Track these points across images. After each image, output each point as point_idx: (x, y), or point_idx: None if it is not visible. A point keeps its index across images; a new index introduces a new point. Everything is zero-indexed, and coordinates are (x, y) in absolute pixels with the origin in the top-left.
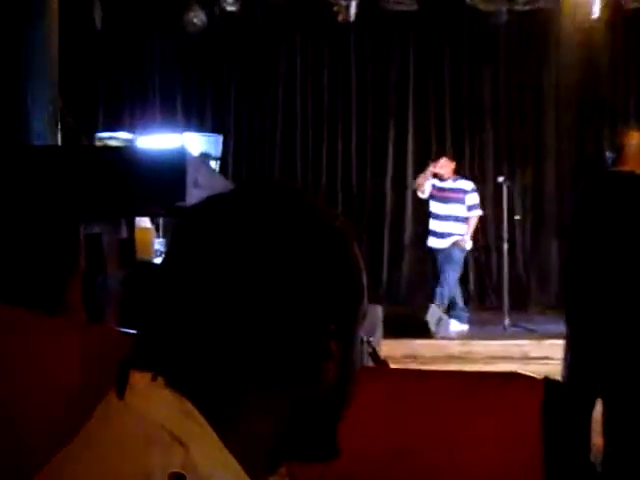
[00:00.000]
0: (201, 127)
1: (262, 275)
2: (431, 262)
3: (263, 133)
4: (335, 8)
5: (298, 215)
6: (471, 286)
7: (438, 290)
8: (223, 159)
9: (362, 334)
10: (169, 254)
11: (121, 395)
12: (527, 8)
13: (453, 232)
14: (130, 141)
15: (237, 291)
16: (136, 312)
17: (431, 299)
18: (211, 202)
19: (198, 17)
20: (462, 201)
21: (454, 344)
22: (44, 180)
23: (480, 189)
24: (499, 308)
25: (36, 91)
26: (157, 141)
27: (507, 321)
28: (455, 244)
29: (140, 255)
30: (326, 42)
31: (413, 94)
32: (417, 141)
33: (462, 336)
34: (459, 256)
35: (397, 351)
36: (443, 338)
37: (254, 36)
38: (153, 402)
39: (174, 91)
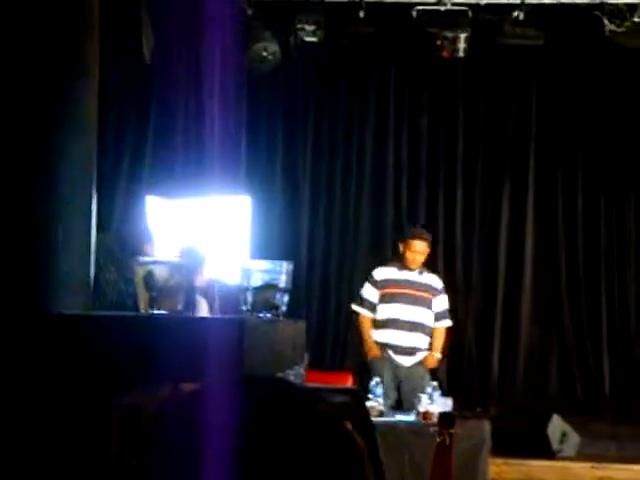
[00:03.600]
0: (270, 185)
1: None
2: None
3: (346, 194)
4: (438, 42)
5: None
6: (605, 385)
7: None
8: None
9: None
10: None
11: None
12: None
13: (421, 347)
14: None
15: None
16: None
17: (554, 407)
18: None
19: (270, 49)
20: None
21: (585, 467)
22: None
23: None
24: None
25: (69, 148)
26: (215, 205)
27: None
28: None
29: None
30: (427, 81)
31: (536, 145)
32: (539, 203)
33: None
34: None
35: (510, 474)
36: (568, 458)
37: (338, 73)
38: None
39: (236, 143)
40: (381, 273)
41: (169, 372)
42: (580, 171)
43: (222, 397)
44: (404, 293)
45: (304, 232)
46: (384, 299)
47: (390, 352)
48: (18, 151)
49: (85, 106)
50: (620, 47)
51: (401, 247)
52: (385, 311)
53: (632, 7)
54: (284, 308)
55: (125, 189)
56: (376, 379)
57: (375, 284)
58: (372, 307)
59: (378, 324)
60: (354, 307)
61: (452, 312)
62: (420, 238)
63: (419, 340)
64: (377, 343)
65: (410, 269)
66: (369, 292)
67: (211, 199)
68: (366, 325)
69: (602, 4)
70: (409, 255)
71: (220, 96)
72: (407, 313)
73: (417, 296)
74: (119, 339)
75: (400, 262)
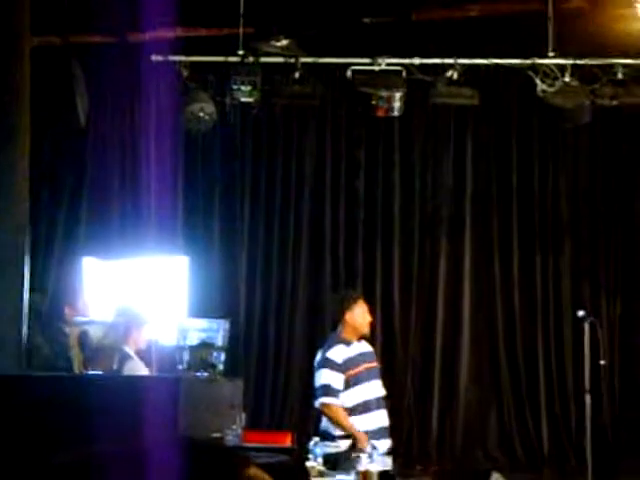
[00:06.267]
0: (207, 244)
1: None
2: None
3: (284, 254)
4: (374, 101)
5: None
6: (544, 444)
7: None
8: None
9: None
10: None
11: None
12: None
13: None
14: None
15: None
16: None
17: (494, 465)
18: None
19: (206, 110)
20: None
21: None
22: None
23: (554, 324)
24: (580, 474)
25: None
26: (152, 265)
27: None
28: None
29: None
30: (363, 140)
31: (471, 203)
32: (475, 259)
33: None
34: None
35: None
36: None
37: (274, 132)
38: None
39: (173, 204)
40: (339, 354)
41: (105, 431)
42: (515, 226)
43: (159, 459)
44: (362, 370)
45: (242, 290)
46: (348, 383)
47: (372, 441)
48: None
49: (15, 174)
50: (551, 106)
51: (348, 316)
52: (353, 396)
53: (562, 68)
54: (221, 367)
55: (61, 249)
56: (315, 439)
57: (340, 368)
58: (339, 395)
59: (348, 412)
60: (324, 400)
61: (390, 371)
62: (358, 297)
63: (385, 416)
64: None
65: (363, 335)
66: (335, 379)
67: (148, 259)
68: (343, 415)
69: (534, 65)
70: (359, 318)
71: (156, 156)
72: (371, 391)
73: (371, 368)
74: (53, 399)
75: (344, 337)
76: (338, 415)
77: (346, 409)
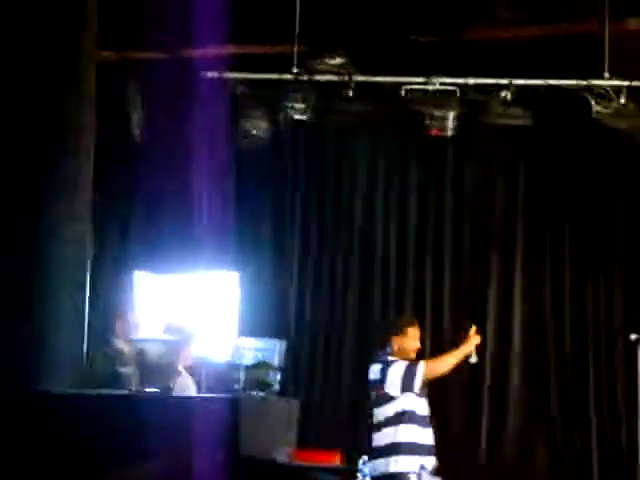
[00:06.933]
0: (258, 266)
1: None
2: None
3: (333, 272)
4: (427, 121)
5: None
6: (594, 470)
7: None
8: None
9: None
10: None
11: None
12: None
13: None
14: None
15: None
16: None
17: None
18: None
19: (259, 127)
20: None
21: None
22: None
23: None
24: None
25: (61, 229)
26: (203, 281)
27: None
28: None
29: None
30: (415, 160)
31: (523, 224)
32: (526, 281)
33: None
34: None
35: None
36: None
37: (326, 150)
38: None
39: (224, 220)
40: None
41: (160, 450)
42: (567, 250)
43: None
44: None
45: (292, 309)
46: None
47: (420, 458)
48: (11, 234)
49: (79, 188)
50: (606, 128)
51: (398, 340)
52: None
53: (618, 89)
54: (277, 387)
55: (113, 263)
56: (364, 458)
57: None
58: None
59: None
60: (421, 365)
61: (440, 394)
62: (413, 324)
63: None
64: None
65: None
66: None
67: (199, 275)
68: (441, 357)
69: (589, 86)
70: (408, 346)
71: (209, 172)
72: (421, 408)
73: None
74: (109, 417)
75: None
76: (438, 360)
77: (397, 413)
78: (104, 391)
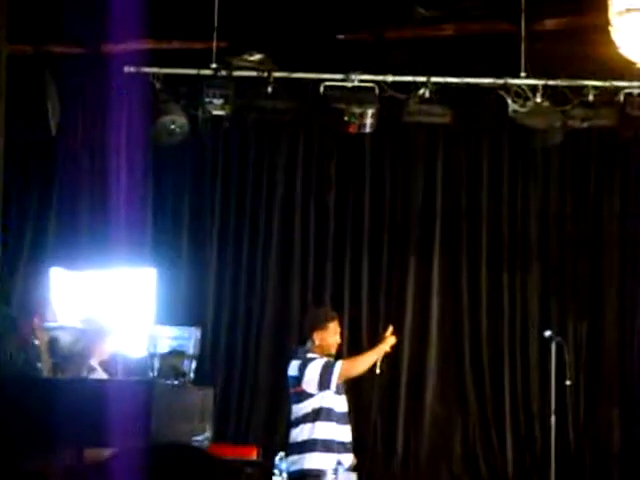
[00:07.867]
0: (175, 262)
1: None
2: None
3: (252, 267)
4: (346, 117)
5: None
6: (509, 464)
7: None
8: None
9: None
10: None
11: None
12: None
13: None
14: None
15: None
16: None
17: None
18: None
19: (177, 122)
20: None
21: None
22: None
23: (520, 344)
24: None
25: None
26: (120, 277)
27: None
28: None
29: None
30: (334, 156)
31: (441, 221)
32: (443, 279)
33: None
34: None
35: None
36: None
37: (245, 146)
38: None
39: (142, 216)
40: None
41: (74, 437)
42: (484, 246)
43: (132, 465)
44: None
45: (210, 302)
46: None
47: (337, 454)
48: None
49: None
50: (522, 126)
51: (319, 334)
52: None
53: (534, 88)
54: (192, 375)
55: (28, 259)
56: (281, 453)
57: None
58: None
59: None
60: (339, 364)
61: (356, 388)
62: (334, 319)
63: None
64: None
65: (329, 355)
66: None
67: (116, 271)
68: (356, 357)
69: (506, 85)
70: (331, 340)
71: (126, 168)
72: (340, 405)
73: (339, 384)
74: (22, 402)
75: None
76: (355, 359)
77: (315, 410)
78: (16, 377)
